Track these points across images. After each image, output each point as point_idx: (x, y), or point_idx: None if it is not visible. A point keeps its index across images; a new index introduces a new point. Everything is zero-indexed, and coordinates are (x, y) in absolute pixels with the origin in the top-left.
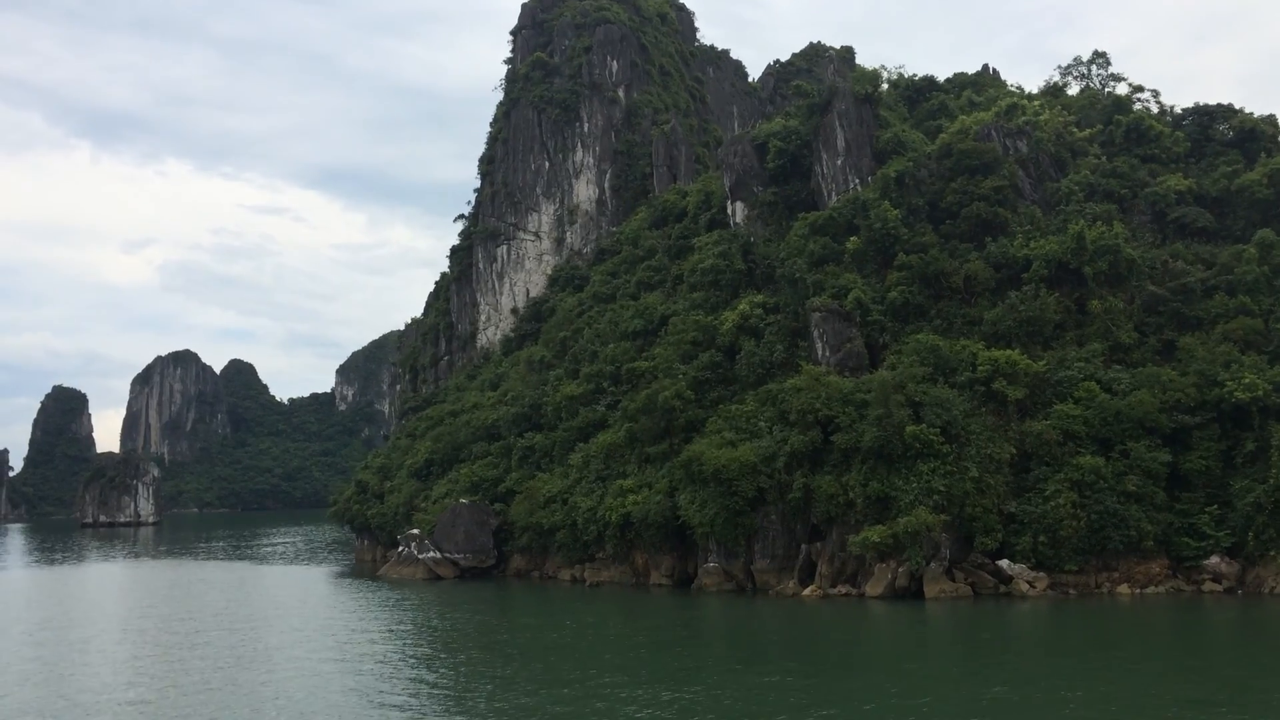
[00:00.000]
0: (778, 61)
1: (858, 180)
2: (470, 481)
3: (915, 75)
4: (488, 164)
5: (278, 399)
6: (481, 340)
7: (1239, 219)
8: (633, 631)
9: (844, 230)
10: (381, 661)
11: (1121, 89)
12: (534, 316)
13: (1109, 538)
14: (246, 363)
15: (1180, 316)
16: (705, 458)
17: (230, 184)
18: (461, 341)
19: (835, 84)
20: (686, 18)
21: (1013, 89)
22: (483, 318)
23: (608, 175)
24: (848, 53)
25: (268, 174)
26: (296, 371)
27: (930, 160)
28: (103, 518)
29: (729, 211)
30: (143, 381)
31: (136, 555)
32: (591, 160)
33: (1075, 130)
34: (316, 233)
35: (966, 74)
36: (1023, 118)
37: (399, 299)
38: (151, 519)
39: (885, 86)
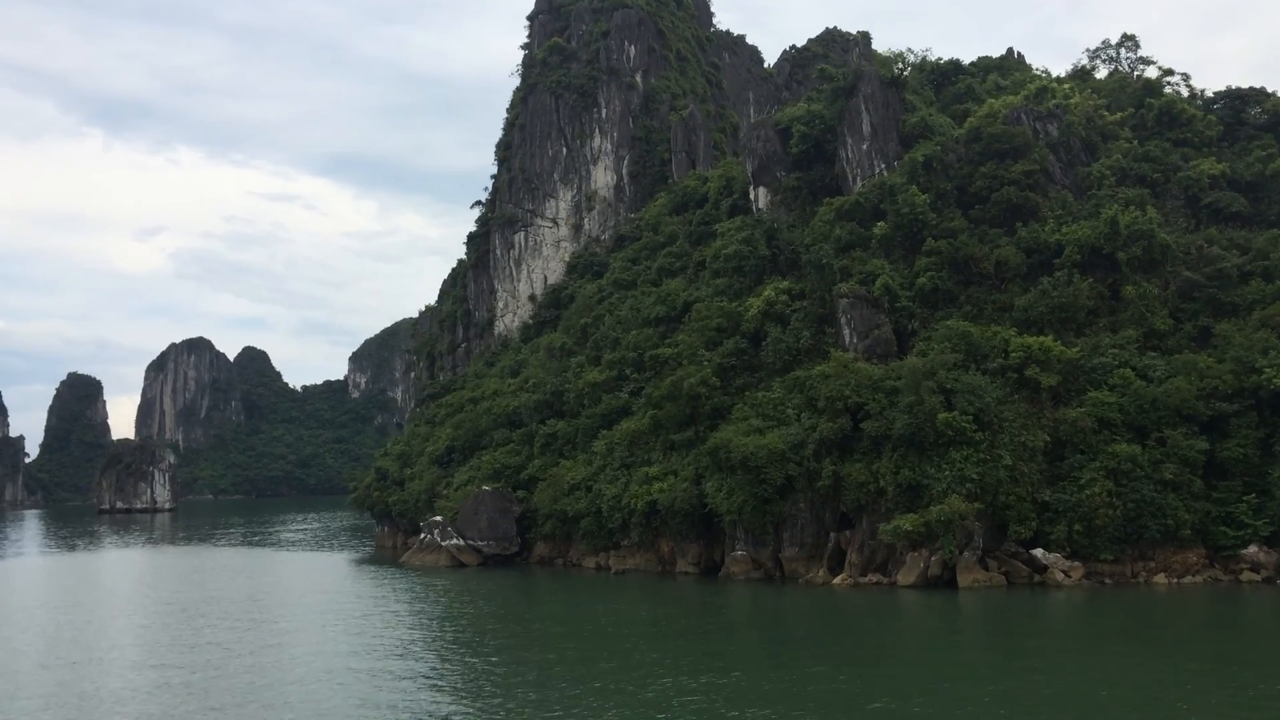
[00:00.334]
0: (794, 47)
1: (884, 165)
2: (492, 468)
3: (940, 59)
4: (505, 150)
5: (291, 386)
6: (499, 327)
7: (1273, 204)
8: (665, 619)
9: (870, 215)
10: (418, 648)
11: (1151, 72)
12: (553, 303)
13: (1145, 527)
14: (260, 350)
15: (1216, 303)
16: (733, 445)
17: (241, 171)
18: (479, 328)
19: (860, 67)
20: (702, 3)
21: (1038, 72)
22: (500, 304)
23: (625, 161)
24: (864, 38)
25: (278, 161)
26: (308, 359)
27: (958, 144)
28: (120, 504)
29: (751, 197)
30: (157, 368)
31: (156, 541)
32: (609, 146)
33: (1106, 114)
34: (327, 220)
35: (991, 57)
36: (1052, 101)
37: (410, 287)
38: (168, 505)
39: (907, 70)
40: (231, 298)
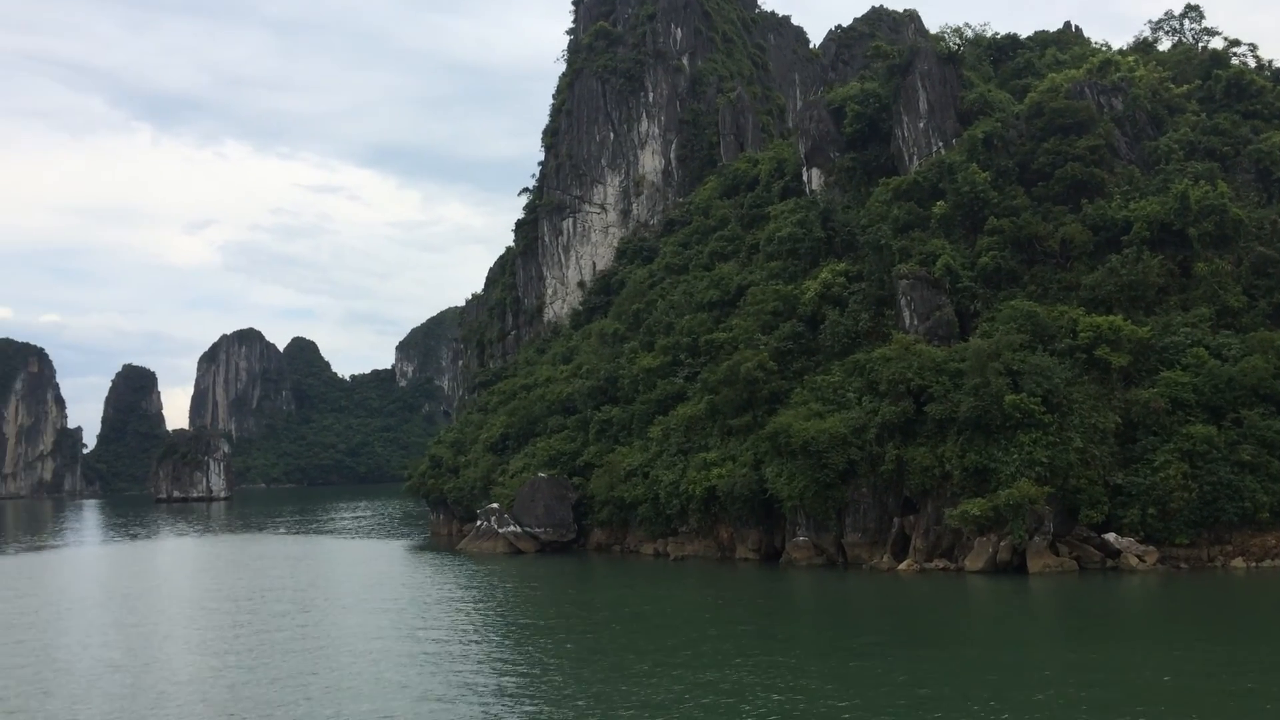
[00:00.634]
0: (839, 27)
1: (941, 143)
2: (547, 455)
3: (996, 34)
4: (551, 136)
5: (340, 376)
6: (548, 314)
7: None
8: (733, 606)
9: (929, 195)
10: (492, 634)
11: (1216, 43)
12: (603, 289)
13: (1222, 509)
14: (309, 340)
15: None
16: (793, 429)
17: (287, 164)
18: (528, 316)
19: (916, 43)
20: None
21: (1097, 46)
22: (549, 291)
23: (673, 145)
24: (912, 15)
25: (323, 153)
26: (355, 349)
27: (1019, 120)
28: (176, 493)
29: (804, 179)
30: (209, 359)
31: (216, 530)
32: (657, 130)
33: (1172, 86)
34: (372, 211)
35: (1048, 32)
36: (1117, 74)
37: (454, 276)
38: (223, 494)
39: (963, 46)
40: (279, 289)
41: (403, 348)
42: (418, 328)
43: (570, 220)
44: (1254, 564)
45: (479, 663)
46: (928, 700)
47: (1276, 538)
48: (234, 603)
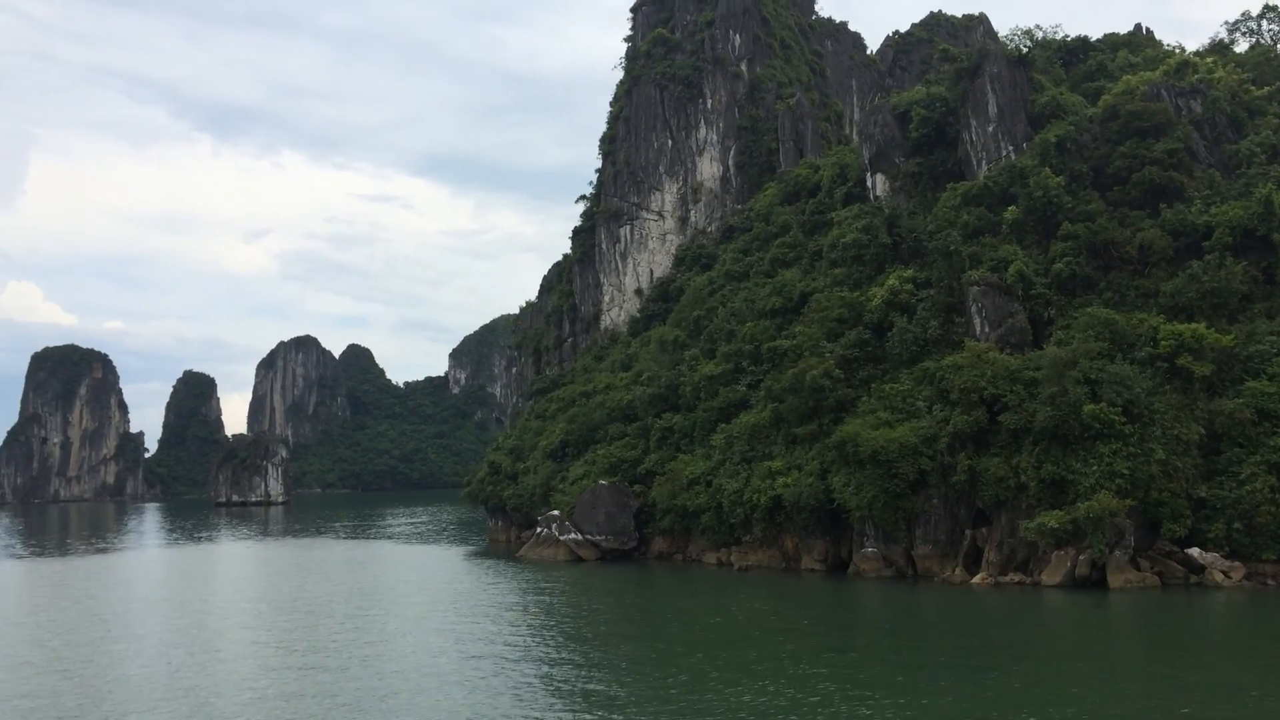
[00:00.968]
0: (896, 33)
1: (1011, 147)
2: (608, 462)
3: (1067, 36)
4: (609, 144)
5: (394, 383)
6: (605, 321)
7: None
8: (807, 618)
9: (999, 200)
10: (566, 643)
11: None
12: (661, 296)
13: None
14: (364, 347)
15: None
16: (861, 438)
17: (342, 173)
18: (585, 323)
19: (985, 46)
20: None
21: (1170, 48)
22: (606, 298)
23: (732, 152)
24: (970, 21)
25: (377, 163)
26: (408, 356)
27: (1093, 124)
28: (235, 497)
29: (868, 184)
30: (267, 366)
31: (276, 534)
32: (715, 137)
33: (1252, 88)
34: (425, 219)
35: (1118, 34)
36: (1195, 76)
37: (506, 284)
38: (281, 499)
39: (1033, 48)
40: (333, 296)
41: (455, 355)
42: (470, 335)
43: (628, 227)
44: None
45: (559, 670)
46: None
47: None
48: (298, 607)
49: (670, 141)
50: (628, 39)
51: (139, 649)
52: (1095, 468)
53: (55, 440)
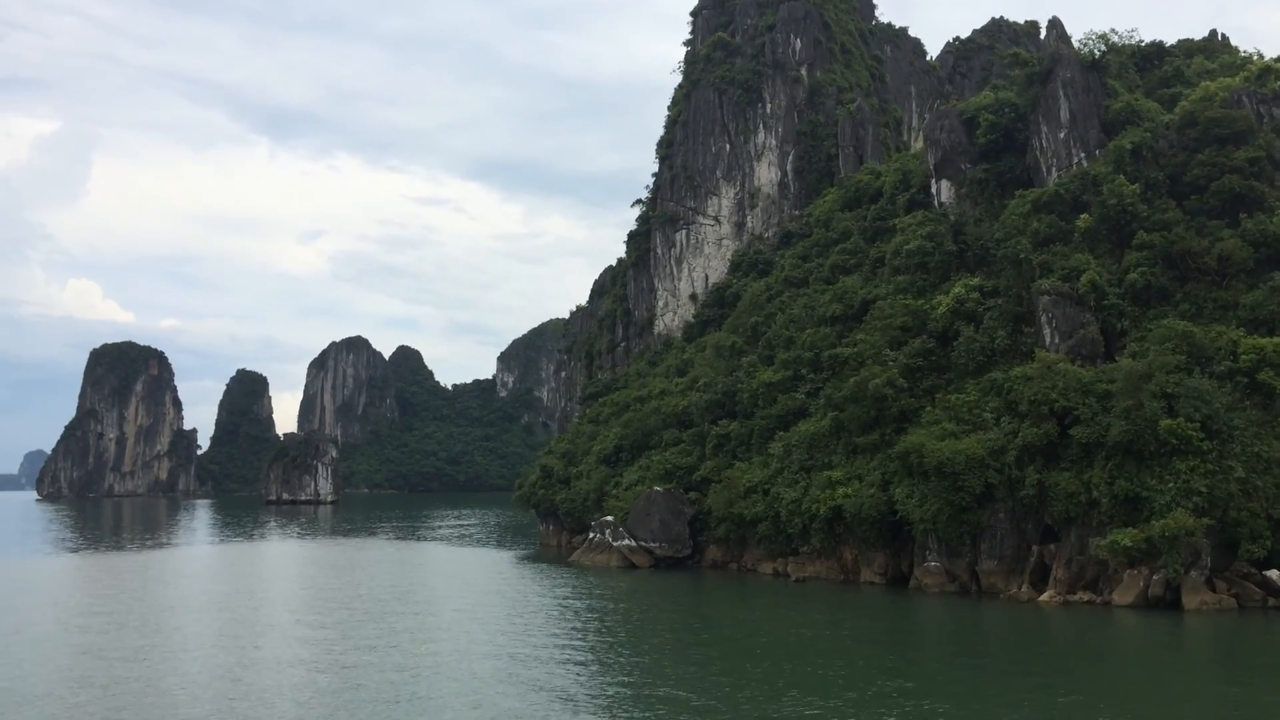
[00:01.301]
0: (957, 39)
1: (1084, 154)
2: (663, 469)
3: (1141, 41)
4: (666, 148)
5: (442, 385)
6: (659, 326)
7: None
8: (875, 633)
9: (1070, 208)
10: (634, 652)
11: None
12: (716, 302)
13: None
14: (413, 349)
15: None
16: (926, 449)
17: (396, 176)
18: (638, 327)
19: (1058, 50)
20: None
21: (1247, 54)
22: (660, 303)
23: (790, 157)
24: (1032, 27)
25: (431, 166)
26: (457, 358)
27: (1170, 130)
28: (285, 495)
29: (933, 191)
30: (318, 366)
31: (328, 533)
32: (774, 142)
33: None
34: (476, 223)
35: (1193, 40)
36: (1277, 82)
37: (555, 288)
38: (330, 498)
39: (1107, 53)
40: (384, 298)
41: (504, 358)
42: (519, 339)
43: (683, 232)
44: None
45: (630, 677)
46: None
47: None
48: (353, 608)
49: (728, 146)
50: (687, 43)
51: (198, 652)
52: (1171, 485)
53: (111, 436)
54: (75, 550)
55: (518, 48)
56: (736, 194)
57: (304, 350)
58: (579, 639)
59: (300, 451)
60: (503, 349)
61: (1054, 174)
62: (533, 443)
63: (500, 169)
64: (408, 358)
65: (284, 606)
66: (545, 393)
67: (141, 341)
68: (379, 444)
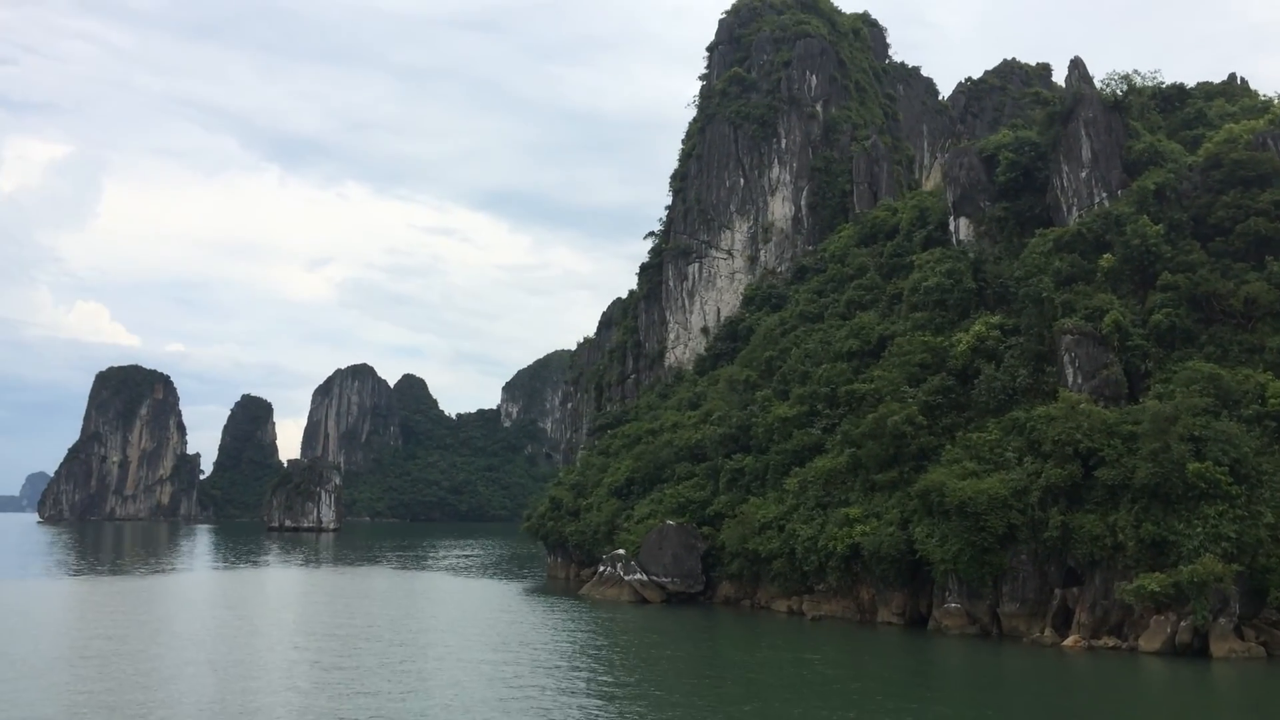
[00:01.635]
0: (969, 79)
1: (1105, 194)
2: (675, 502)
3: (1161, 83)
4: (680, 181)
5: (446, 414)
6: (670, 359)
7: None
8: (902, 676)
9: (1092, 247)
10: (661, 691)
11: None
12: (729, 335)
13: None
14: (419, 378)
15: None
16: (948, 488)
17: (404, 206)
18: (649, 360)
19: (1080, 90)
20: (878, 34)
21: (1267, 98)
22: (671, 336)
23: (804, 192)
24: (1044, 69)
25: (439, 196)
26: (461, 388)
27: (1193, 172)
28: (288, 522)
29: (951, 228)
30: (323, 393)
31: (331, 562)
32: (788, 177)
33: None
34: (482, 253)
35: (1212, 83)
36: None
37: (561, 320)
38: (332, 525)
39: (1129, 93)
40: (390, 326)
41: (509, 389)
42: (524, 369)
43: (696, 265)
44: None
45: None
46: None
47: None
48: (362, 642)
49: (742, 180)
50: (702, 77)
51: (207, 682)
52: (1199, 529)
53: (114, 459)
54: (78, 574)
55: (527, 81)
56: (750, 228)
57: (308, 377)
58: (601, 674)
59: (304, 478)
60: (507, 379)
61: (1075, 213)
62: (536, 474)
63: (508, 200)
64: (413, 386)
65: (293, 637)
66: (549, 424)
67: (147, 365)
68: (382, 472)
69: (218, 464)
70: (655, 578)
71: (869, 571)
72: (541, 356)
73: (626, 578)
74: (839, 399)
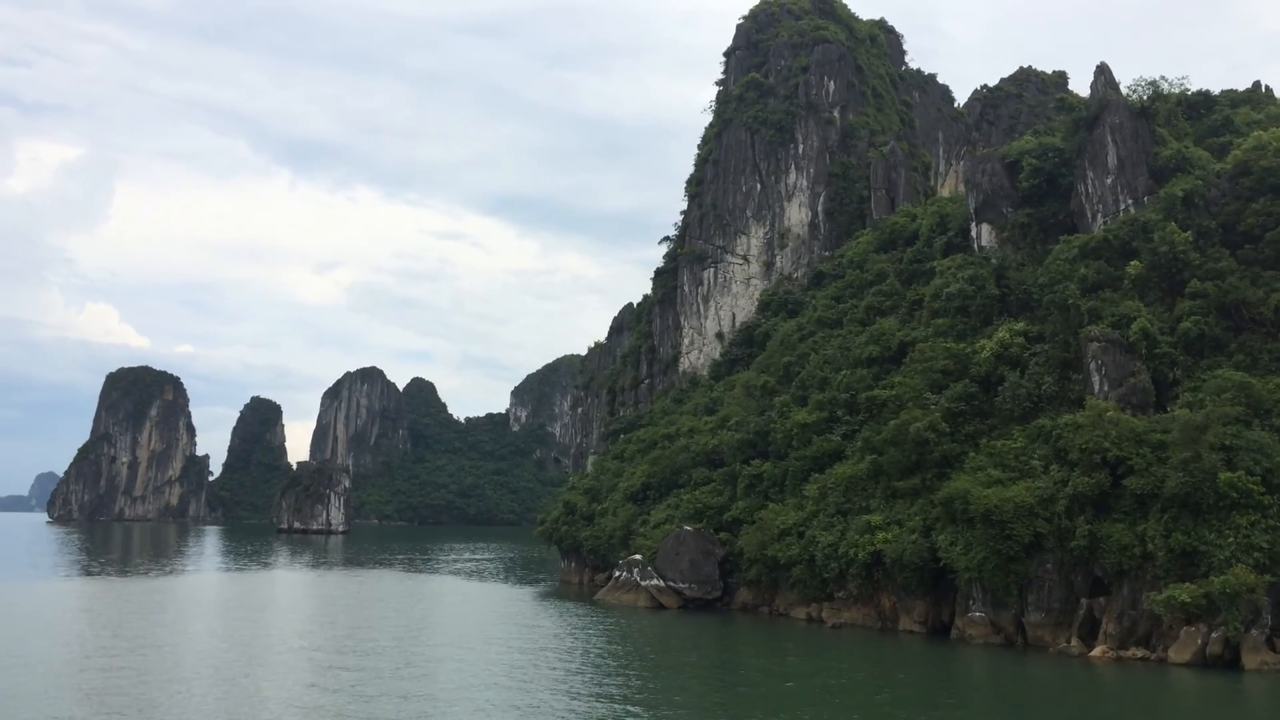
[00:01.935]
0: (985, 86)
1: (1131, 200)
2: (692, 508)
3: (1188, 89)
4: (696, 186)
5: (455, 417)
6: (684, 364)
7: None
8: (931, 685)
9: (1118, 254)
10: (691, 698)
11: None
12: (744, 341)
13: None
14: (428, 381)
15: None
16: (973, 496)
17: (414, 210)
18: (663, 365)
19: (1106, 96)
20: (895, 40)
21: None
22: (686, 341)
23: (821, 198)
24: (1060, 77)
25: (449, 200)
26: (469, 392)
27: (1222, 179)
28: (297, 524)
29: (972, 234)
30: (332, 395)
31: (342, 564)
32: (805, 182)
33: None
34: (492, 258)
35: (1237, 91)
36: None
37: (569, 325)
38: (341, 528)
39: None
40: (399, 330)
41: (517, 393)
42: (533, 374)
43: (711, 270)
44: None
45: None
46: None
47: None
48: (375, 648)
49: (759, 185)
50: (719, 83)
51: (216, 685)
52: (1231, 539)
53: (124, 459)
54: (88, 574)
55: (538, 86)
56: (766, 234)
57: (317, 379)
58: (624, 680)
59: (313, 480)
60: (516, 384)
61: (1100, 220)
62: (544, 478)
63: (518, 205)
64: (422, 389)
65: (303, 640)
66: (558, 428)
67: (157, 366)
68: (390, 475)
69: (227, 466)
70: (672, 583)
71: (891, 579)
72: (550, 361)
73: (643, 583)
74: (859, 405)
